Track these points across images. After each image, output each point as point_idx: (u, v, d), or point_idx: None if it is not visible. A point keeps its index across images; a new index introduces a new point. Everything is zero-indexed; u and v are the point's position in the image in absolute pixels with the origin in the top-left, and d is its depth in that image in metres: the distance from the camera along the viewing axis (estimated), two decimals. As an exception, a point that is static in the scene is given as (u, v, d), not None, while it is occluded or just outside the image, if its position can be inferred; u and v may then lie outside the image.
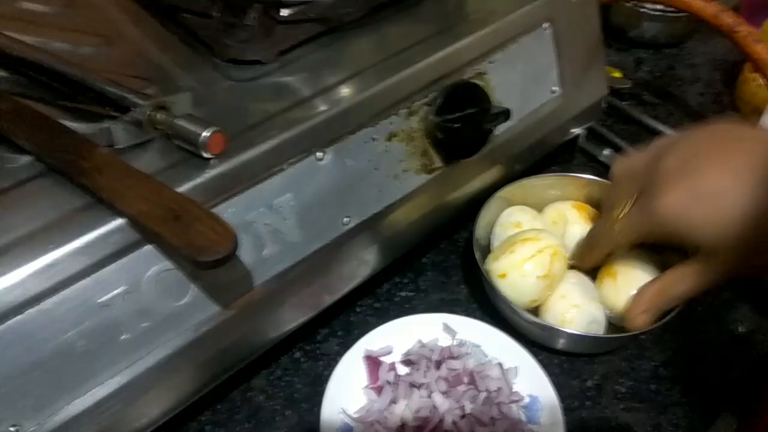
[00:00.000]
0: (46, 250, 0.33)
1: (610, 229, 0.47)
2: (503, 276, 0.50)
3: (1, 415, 0.33)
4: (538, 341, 0.52)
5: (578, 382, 0.51)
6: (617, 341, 0.52)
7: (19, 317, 0.33)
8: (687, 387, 0.51)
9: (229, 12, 0.45)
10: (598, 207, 0.57)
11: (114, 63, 0.45)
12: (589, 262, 0.53)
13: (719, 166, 0.41)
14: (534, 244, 0.50)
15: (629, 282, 0.50)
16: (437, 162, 0.50)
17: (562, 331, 0.49)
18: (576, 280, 0.52)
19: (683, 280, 0.44)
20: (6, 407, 0.33)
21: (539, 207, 0.59)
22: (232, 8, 0.45)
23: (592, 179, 0.58)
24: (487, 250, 0.56)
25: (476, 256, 0.52)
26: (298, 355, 0.53)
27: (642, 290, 0.47)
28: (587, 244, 0.52)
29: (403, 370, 0.50)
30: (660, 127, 0.73)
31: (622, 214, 0.45)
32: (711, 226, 0.40)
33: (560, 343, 0.51)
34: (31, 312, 0.33)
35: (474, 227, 0.55)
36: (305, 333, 0.53)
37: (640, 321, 0.46)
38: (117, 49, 0.47)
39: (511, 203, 0.58)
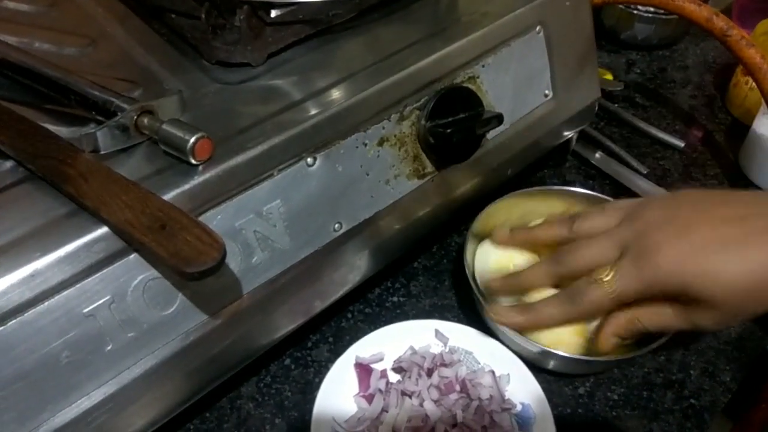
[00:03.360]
0: (29, 260, 0.32)
1: (602, 294, 0.42)
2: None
3: (-17, 428, 0.33)
4: (532, 362, 0.50)
5: (570, 389, 0.51)
6: (606, 364, 0.51)
7: (1, 328, 0.32)
8: (679, 394, 0.51)
9: (217, 13, 0.44)
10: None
11: (99, 65, 0.45)
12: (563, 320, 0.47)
13: (708, 216, 0.40)
14: None
15: None
16: (429, 167, 0.49)
17: (554, 353, 0.47)
18: None
19: (661, 316, 0.42)
20: (-12, 420, 0.33)
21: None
22: (219, 9, 0.44)
23: (561, 189, 0.58)
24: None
25: (478, 299, 0.50)
26: (288, 361, 0.52)
27: (617, 314, 0.44)
28: (574, 311, 0.45)
29: (394, 377, 0.49)
30: (652, 130, 0.73)
31: (609, 276, 0.42)
32: (713, 275, 0.38)
33: (551, 365, 0.50)
34: (13, 323, 0.32)
35: (467, 271, 0.52)
36: (295, 339, 0.52)
37: (608, 343, 0.45)
38: (102, 51, 0.46)
39: (483, 236, 0.55)
